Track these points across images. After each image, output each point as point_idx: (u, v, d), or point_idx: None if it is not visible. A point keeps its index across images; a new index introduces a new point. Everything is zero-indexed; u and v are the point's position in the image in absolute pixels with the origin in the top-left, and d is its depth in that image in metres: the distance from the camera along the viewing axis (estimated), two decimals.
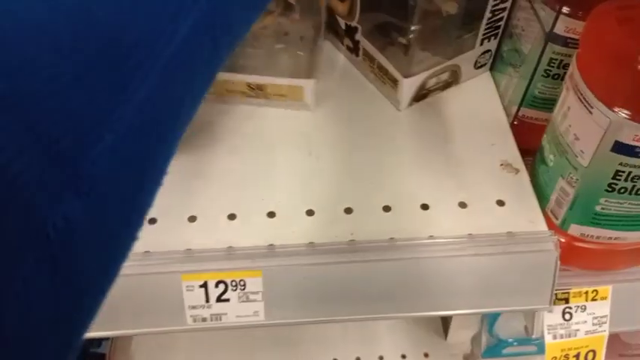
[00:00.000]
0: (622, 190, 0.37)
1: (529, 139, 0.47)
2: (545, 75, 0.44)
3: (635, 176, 0.36)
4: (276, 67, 0.46)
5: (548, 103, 0.45)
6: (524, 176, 0.45)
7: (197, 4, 0.19)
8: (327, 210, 0.42)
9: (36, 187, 0.14)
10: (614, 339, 0.72)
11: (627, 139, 0.35)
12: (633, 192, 0.37)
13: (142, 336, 0.67)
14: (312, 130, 0.47)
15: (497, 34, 0.48)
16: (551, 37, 0.42)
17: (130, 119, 0.17)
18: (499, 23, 0.47)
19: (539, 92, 0.46)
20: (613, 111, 0.34)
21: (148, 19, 0.18)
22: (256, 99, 0.47)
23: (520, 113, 0.48)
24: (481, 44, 0.48)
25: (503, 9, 0.46)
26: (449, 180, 0.44)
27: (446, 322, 0.76)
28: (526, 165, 0.46)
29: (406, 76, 0.46)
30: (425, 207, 0.43)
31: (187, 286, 0.38)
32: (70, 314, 0.16)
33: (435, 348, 0.75)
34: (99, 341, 0.65)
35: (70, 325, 0.17)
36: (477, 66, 0.50)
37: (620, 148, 0.35)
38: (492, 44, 0.49)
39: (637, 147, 0.35)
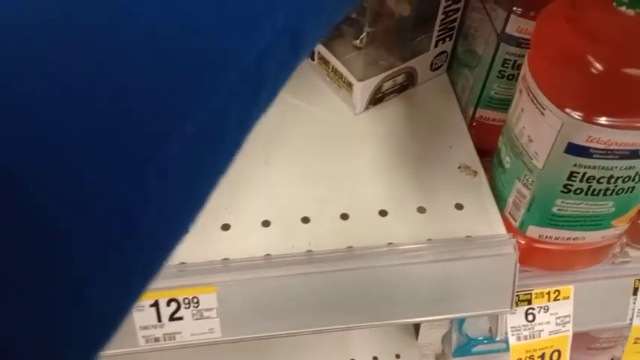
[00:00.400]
0: (578, 191, 0.37)
1: (488, 140, 0.46)
2: (500, 76, 0.44)
3: (590, 177, 0.36)
4: None
5: (504, 104, 0.45)
6: (483, 178, 0.44)
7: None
8: (283, 220, 0.41)
9: None
10: (582, 333, 0.73)
11: (580, 141, 0.34)
12: (589, 192, 0.37)
13: None
14: (268, 136, 0.46)
15: (451, 35, 0.48)
16: (503, 37, 0.41)
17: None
18: (453, 25, 0.47)
19: (495, 93, 0.45)
20: (565, 112, 0.34)
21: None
22: None
23: (477, 114, 0.47)
24: (436, 46, 0.47)
25: (457, 10, 0.45)
26: (407, 185, 0.44)
27: (416, 323, 0.76)
28: (486, 166, 0.46)
29: (361, 80, 0.45)
30: (383, 213, 0.42)
31: (137, 306, 0.36)
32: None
33: (407, 349, 0.74)
34: None
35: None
36: (433, 68, 0.49)
37: (573, 149, 0.35)
38: (447, 46, 0.48)
39: (590, 148, 0.35)
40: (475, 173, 0.45)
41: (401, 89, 0.49)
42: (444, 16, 0.45)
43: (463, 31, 0.48)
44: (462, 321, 0.71)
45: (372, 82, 0.46)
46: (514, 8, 0.39)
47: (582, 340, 0.73)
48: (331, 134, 0.47)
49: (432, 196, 0.43)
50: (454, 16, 0.46)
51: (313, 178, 0.44)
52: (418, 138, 0.47)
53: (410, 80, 0.48)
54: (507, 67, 0.43)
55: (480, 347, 0.73)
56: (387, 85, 0.47)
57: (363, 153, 0.45)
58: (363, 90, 0.45)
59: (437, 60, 0.49)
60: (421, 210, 0.42)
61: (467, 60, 0.48)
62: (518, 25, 0.40)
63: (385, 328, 0.75)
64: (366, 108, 0.48)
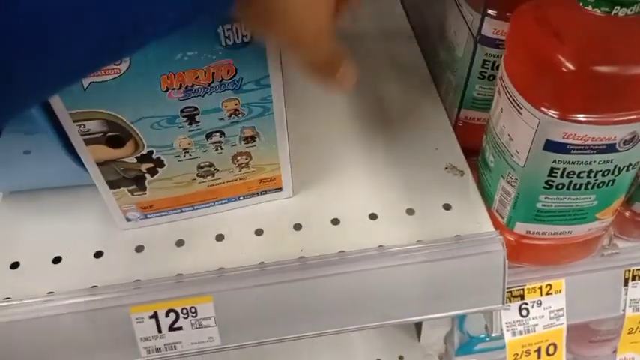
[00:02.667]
0: (560, 187, 0.38)
1: (473, 140, 0.47)
2: (481, 77, 0.45)
3: (570, 172, 0.37)
4: None
5: (487, 104, 0.46)
6: (469, 178, 0.45)
7: None
8: (275, 228, 0.42)
9: None
10: (582, 327, 0.73)
11: (557, 137, 0.35)
12: (571, 187, 0.38)
13: None
14: None
15: None
16: (480, 40, 0.42)
17: None
18: None
19: (477, 94, 0.47)
20: (540, 111, 0.35)
21: None
22: None
23: (461, 115, 0.48)
24: None
25: None
26: (395, 187, 0.45)
27: (418, 323, 0.76)
28: (473, 165, 0.47)
29: None
30: (373, 217, 0.43)
31: (137, 318, 0.37)
32: None
33: (410, 350, 0.75)
34: None
35: None
36: None
37: (551, 146, 0.36)
38: None
39: (568, 144, 0.36)
40: (462, 173, 0.46)
41: None
42: None
43: (444, 34, 0.49)
44: (462, 320, 0.72)
45: None
46: (488, 11, 0.41)
47: (583, 333, 0.74)
48: (318, 139, 0.48)
49: (420, 198, 0.44)
50: None
51: (302, 184, 0.45)
52: (405, 141, 0.48)
53: None
54: (487, 68, 0.45)
55: (482, 345, 0.73)
56: None
57: (350, 157, 0.47)
58: None
59: None
60: (410, 212, 0.43)
61: (449, 63, 0.49)
62: (493, 27, 0.42)
63: (387, 330, 0.75)
64: None
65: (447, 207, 0.44)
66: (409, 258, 0.40)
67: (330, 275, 0.39)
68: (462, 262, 0.41)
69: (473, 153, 0.47)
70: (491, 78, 0.45)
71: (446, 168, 0.46)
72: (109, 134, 0.34)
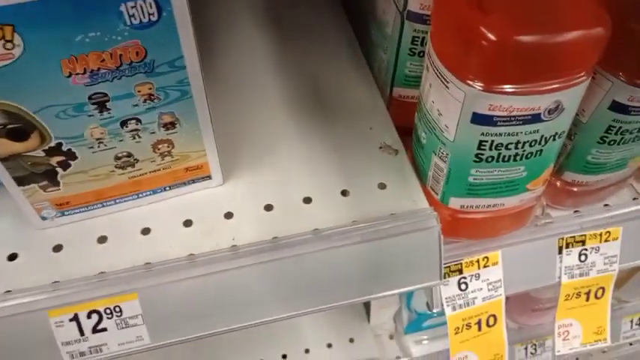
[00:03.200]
0: (489, 159, 0.38)
1: (408, 118, 0.47)
2: (411, 54, 0.44)
3: (499, 144, 0.37)
4: None
5: (419, 81, 0.45)
6: (404, 157, 0.45)
7: None
8: (205, 218, 0.40)
9: None
10: (524, 296, 0.75)
11: (483, 110, 0.35)
12: (500, 159, 0.38)
13: None
14: None
15: None
16: (408, 15, 0.42)
17: None
18: None
19: (409, 71, 0.46)
20: (466, 84, 0.35)
21: None
22: None
23: (394, 93, 0.48)
24: None
25: None
26: (329, 170, 0.44)
27: (367, 304, 0.77)
28: (408, 144, 0.46)
29: None
30: (307, 200, 0.42)
31: (56, 322, 0.35)
32: None
33: (360, 332, 0.75)
34: None
35: None
36: None
37: (478, 118, 0.36)
38: None
39: (494, 116, 0.35)
40: (396, 152, 0.45)
41: None
42: None
43: (374, 13, 0.48)
44: (409, 298, 0.72)
45: None
46: None
47: (526, 302, 0.76)
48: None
49: (355, 179, 0.43)
50: None
51: (233, 171, 0.43)
52: (339, 122, 0.47)
53: None
54: (417, 45, 0.44)
55: (430, 321, 0.74)
56: None
57: (283, 140, 0.45)
58: None
59: None
60: (345, 193, 0.42)
61: (379, 42, 0.48)
62: (420, 2, 0.41)
63: (336, 314, 0.75)
64: None
65: (381, 186, 0.43)
66: (345, 239, 0.39)
67: (265, 262, 0.38)
68: (398, 240, 0.40)
69: (408, 132, 0.47)
70: (421, 55, 0.44)
71: (380, 147, 0.45)
72: (10, 126, 0.31)
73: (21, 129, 0.32)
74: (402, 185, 0.43)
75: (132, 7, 0.29)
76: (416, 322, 0.73)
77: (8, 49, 0.28)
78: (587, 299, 0.51)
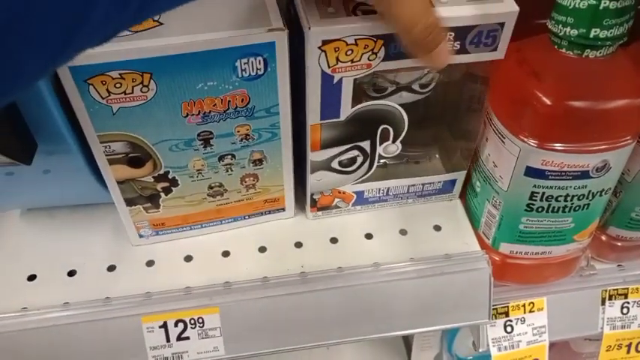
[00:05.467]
0: (540, 209, 0.42)
1: None
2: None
3: (549, 196, 0.41)
4: None
5: None
6: (458, 203, 0.49)
7: None
8: (277, 245, 0.45)
9: None
10: (565, 350, 0.76)
11: (536, 164, 0.39)
12: (549, 210, 0.42)
13: None
14: None
15: None
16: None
17: None
18: None
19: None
20: (521, 140, 0.39)
21: None
22: None
23: None
24: None
25: None
26: (390, 211, 0.48)
27: (409, 345, 0.79)
28: (460, 191, 0.50)
29: None
30: (369, 236, 0.46)
31: (148, 328, 0.40)
32: None
33: None
34: None
35: None
36: None
37: (531, 172, 0.40)
38: None
39: (546, 170, 0.40)
40: (451, 199, 0.49)
41: None
42: None
43: None
44: (451, 342, 0.74)
45: None
46: None
47: (566, 356, 0.77)
48: None
49: (412, 220, 0.47)
50: None
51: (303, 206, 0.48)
52: None
53: None
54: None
55: None
56: None
57: None
58: None
59: None
60: (403, 232, 0.47)
61: None
62: None
63: (378, 352, 0.77)
64: None
65: (437, 228, 0.47)
66: (401, 274, 0.43)
67: (329, 289, 0.42)
68: (451, 279, 0.44)
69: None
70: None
71: None
72: (131, 155, 0.37)
73: (139, 158, 0.38)
74: (456, 229, 0.47)
75: (245, 63, 0.35)
76: None
77: (144, 92, 0.34)
78: (628, 352, 0.53)
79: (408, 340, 0.80)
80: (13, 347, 0.39)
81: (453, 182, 0.48)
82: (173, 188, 0.41)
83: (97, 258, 0.44)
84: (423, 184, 0.47)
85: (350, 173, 0.44)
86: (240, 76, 0.35)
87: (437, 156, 0.50)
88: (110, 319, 0.40)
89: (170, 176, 0.40)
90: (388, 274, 0.43)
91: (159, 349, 0.40)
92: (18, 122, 0.35)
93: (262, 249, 0.45)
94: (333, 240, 0.46)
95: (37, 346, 0.39)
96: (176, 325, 0.40)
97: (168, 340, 0.40)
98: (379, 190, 0.47)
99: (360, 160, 0.44)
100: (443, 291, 0.44)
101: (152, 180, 0.40)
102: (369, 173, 0.45)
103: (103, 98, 0.34)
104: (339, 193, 0.46)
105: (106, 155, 0.37)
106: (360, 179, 0.45)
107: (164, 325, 0.40)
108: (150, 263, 0.43)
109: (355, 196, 0.46)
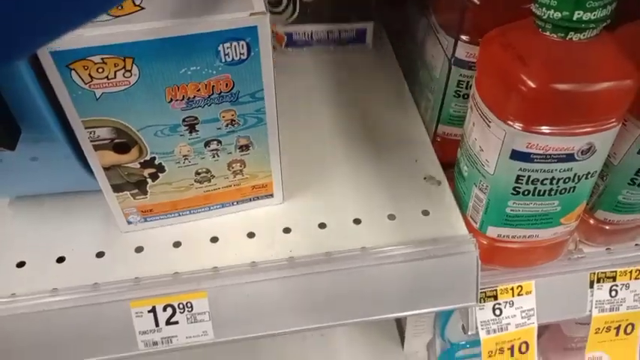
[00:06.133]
0: (526, 193, 0.42)
1: (450, 154, 0.51)
2: (456, 95, 0.49)
3: (535, 179, 0.41)
4: None
5: (462, 120, 0.50)
6: (446, 187, 0.49)
7: None
8: (266, 231, 0.45)
9: None
10: (557, 334, 0.77)
11: (522, 147, 0.39)
12: (536, 193, 0.42)
13: None
14: None
15: None
16: (455, 62, 0.47)
17: None
18: None
19: (453, 111, 0.51)
20: (507, 124, 0.39)
21: None
22: None
23: (439, 131, 0.52)
24: None
25: None
26: (378, 195, 0.48)
27: (401, 331, 0.79)
28: (449, 177, 0.51)
29: None
30: (357, 221, 0.46)
31: (137, 313, 0.40)
32: None
33: (393, 358, 0.78)
34: None
35: None
36: None
37: (517, 155, 0.40)
38: None
39: (531, 153, 0.40)
40: (439, 183, 0.50)
41: None
42: None
43: (423, 57, 0.53)
44: (444, 327, 0.75)
45: None
46: (461, 37, 0.45)
47: (559, 340, 0.77)
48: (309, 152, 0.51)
49: (400, 205, 0.48)
50: None
51: (293, 192, 0.48)
52: (387, 153, 0.52)
53: None
54: (462, 88, 0.49)
55: (462, 352, 0.76)
56: None
57: (338, 168, 0.50)
58: None
59: None
60: (391, 217, 0.47)
61: (427, 83, 0.54)
62: (466, 51, 0.46)
63: (371, 339, 0.78)
64: None
65: (425, 213, 0.47)
66: (389, 258, 0.44)
67: (317, 273, 0.42)
68: (439, 262, 0.44)
69: (449, 166, 0.51)
70: (465, 96, 0.49)
71: (425, 178, 0.50)
72: (117, 141, 0.37)
73: (125, 143, 0.38)
74: (444, 213, 0.47)
75: (227, 47, 0.35)
76: (449, 351, 0.75)
77: (126, 77, 0.34)
78: (617, 334, 0.54)
79: (401, 327, 0.80)
80: (3, 332, 0.39)
81: (364, 31, 0.61)
82: (160, 174, 0.41)
83: (86, 245, 0.44)
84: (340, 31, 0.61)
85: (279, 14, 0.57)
86: (223, 60, 0.35)
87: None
88: (99, 304, 0.40)
89: (156, 162, 0.40)
90: (376, 258, 0.43)
91: (148, 333, 0.41)
92: (0, 108, 0.35)
93: (251, 234, 0.45)
94: (322, 225, 0.46)
95: (26, 332, 0.40)
96: (165, 309, 0.40)
97: (157, 324, 0.41)
98: (304, 33, 0.60)
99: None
100: (431, 274, 0.44)
101: (138, 166, 0.40)
102: (294, 16, 0.58)
103: (85, 83, 0.34)
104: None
105: (91, 141, 0.37)
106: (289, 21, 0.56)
107: (153, 310, 0.40)
108: (139, 249, 0.44)
109: (285, 37, 0.59)
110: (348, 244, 0.44)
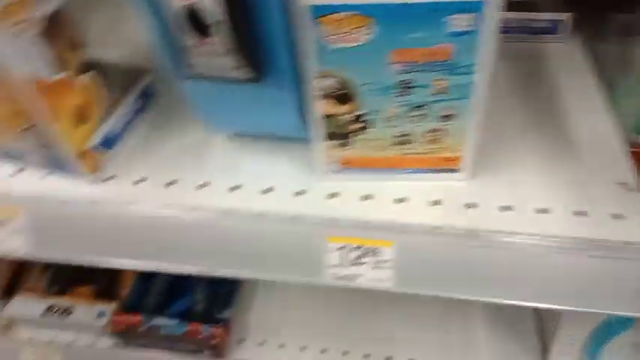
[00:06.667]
0: None
1: None
2: None
3: None
4: None
5: None
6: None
7: None
8: (450, 203, 0.48)
9: None
10: None
11: None
12: None
13: (260, 306, 0.77)
14: None
15: None
16: None
17: None
18: None
19: None
20: None
21: None
22: None
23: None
24: None
25: None
26: (568, 190, 0.48)
27: (545, 351, 0.76)
28: None
29: None
30: (542, 211, 0.47)
31: (330, 248, 0.45)
32: None
33: None
34: (222, 307, 0.76)
35: None
36: None
37: None
38: None
39: None
40: (632, 190, 0.48)
41: None
42: None
43: (631, 66, 0.51)
44: (595, 352, 0.70)
45: None
46: None
47: None
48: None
49: (590, 204, 0.47)
50: None
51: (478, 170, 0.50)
52: (580, 152, 0.51)
53: None
54: None
55: None
56: None
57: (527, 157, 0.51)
58: None
59: None
60: (579, 214, 0.46)
61: (633, 91, 0.52)
62: None
63: (511, 350, 0.76)
64: None
65: (616, 216, 0.46)
66: (573, 251, 0.43)
67: (496, 248, 0.44)
68: (628, 266, 0.43)
69: None
70: None
71: (618, 183, 0.48)
72: (340, 92, 0.43)
73: (346, 95, 0.43)
74: (637, 219, 0.45)
75: (454, 19, 0.38)
76: None
77: (364, 34, 0.39)
78: None
79: (544, 343, 0.77)
80: (223, 230, 0.47)
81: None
82: (366, 129, 0.45)
83: (288, 183, 0.50)
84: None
85: None
86: (449, 31, 0.38)
87: None
88: (298, 232, 0.46)
89: (367, 118, 0.44)
90: (558, 250, 0.43)
91: (337, 267, 0.45)
92: (253, 44, 0.42)
93: (435, 202, 0.48)
94: (504, 208, 0.47)
95: (239, 240, 0.47)
96: (356, 249, 0.45)
97: (346, 262, 0.45)
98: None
99: None
100: (617, 277, 0.43)
101: (351, 119, 0.45)
102: None
103: (328, 36, 0.39)
104: None
105: (319, 90, 0.43)
106: None
107: (344, 248, 0.45)
108: (332, 195, 0.49)
109: None
110: (531, 231, 0.45)
